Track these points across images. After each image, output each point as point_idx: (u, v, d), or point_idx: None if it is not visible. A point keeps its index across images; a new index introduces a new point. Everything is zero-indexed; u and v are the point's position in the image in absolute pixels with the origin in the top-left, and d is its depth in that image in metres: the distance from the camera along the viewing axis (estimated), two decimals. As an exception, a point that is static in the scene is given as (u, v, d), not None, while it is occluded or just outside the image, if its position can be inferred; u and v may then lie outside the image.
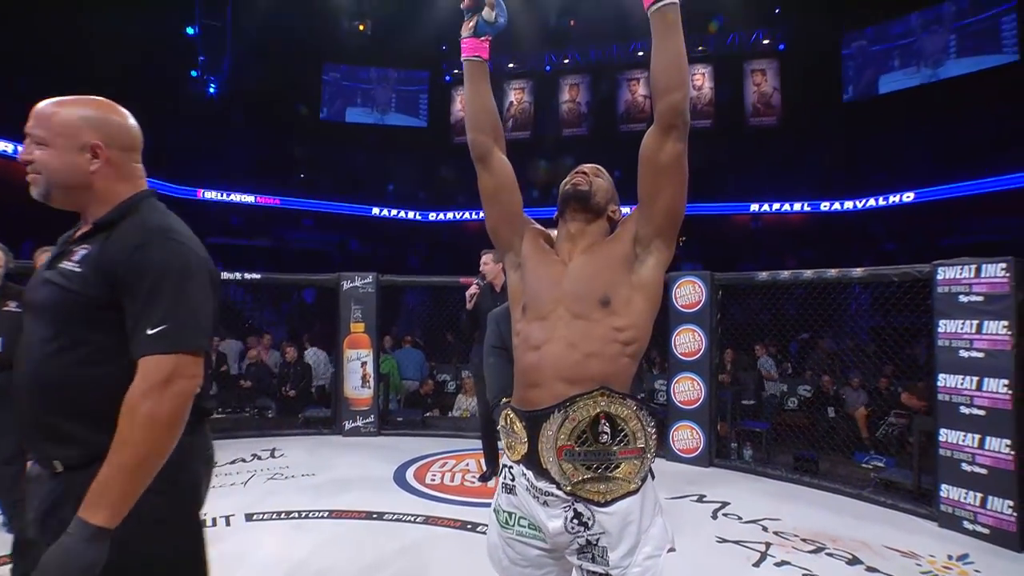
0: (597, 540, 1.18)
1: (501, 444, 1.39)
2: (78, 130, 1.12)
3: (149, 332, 1.03)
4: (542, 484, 1.22)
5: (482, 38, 1.41)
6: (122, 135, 1.18)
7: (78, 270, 1.08)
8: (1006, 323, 3.15)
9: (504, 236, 1.44)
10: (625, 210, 1.37)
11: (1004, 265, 3.18)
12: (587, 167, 1.44)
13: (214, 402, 1.21)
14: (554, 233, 1.47)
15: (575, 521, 1.19)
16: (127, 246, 1.07)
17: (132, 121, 1.21)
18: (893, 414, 4.95)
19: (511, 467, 1.30)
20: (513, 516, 1.29)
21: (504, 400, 1.36)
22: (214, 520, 3.24)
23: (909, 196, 13.51)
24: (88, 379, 1.06)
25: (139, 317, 1.04)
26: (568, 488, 1.19)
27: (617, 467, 1.19)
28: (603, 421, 1.19)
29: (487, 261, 3.85)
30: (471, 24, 1.40)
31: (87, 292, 1.06)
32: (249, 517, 3.33)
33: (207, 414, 1.25)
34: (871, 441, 4.99)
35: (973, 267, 3.31)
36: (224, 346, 7.09)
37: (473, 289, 3.85)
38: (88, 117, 1.14)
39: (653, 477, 1.27)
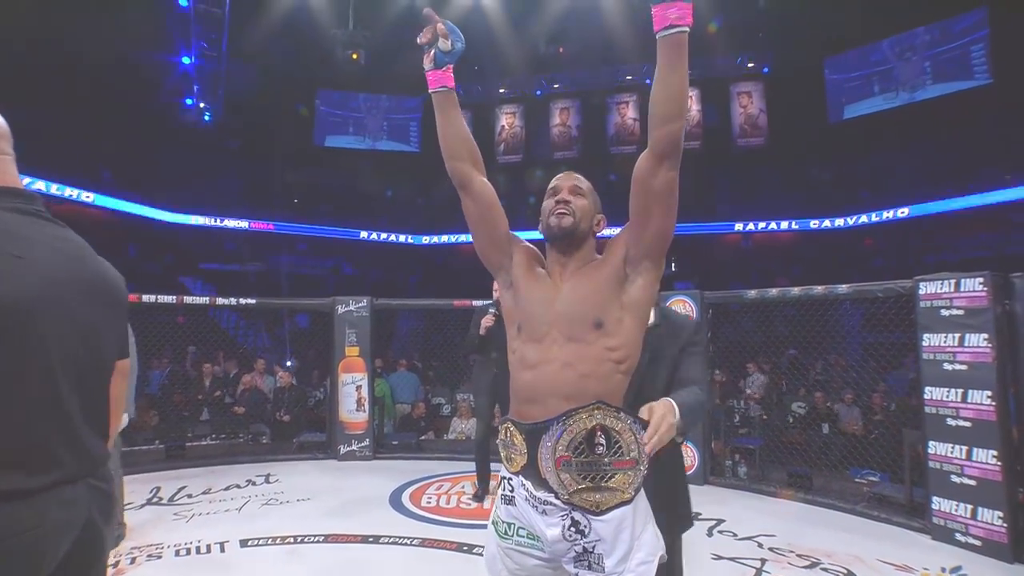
0: (593, 547, 1.22)
1: (496, 459, 1.41)
2: None
3: None
4: (541, 493, 1.26)
5: (444, 68, 1.43)
6: None
7: None
8: (987, 336, 3.23)
9: (494, 258, 1.47)
10: (612, 231, 1.40)
11: (981, 280, 3.28)
12: (566, 190, 1.43)
13: (37, 478, 0.94)
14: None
15: (572, 529, 1.23)
16: None
17: None
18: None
19: (510, 479, 1.33)
20: (512, 527, 1.32)
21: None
22: (208, 547, 3.23)
23: (904, 211, 13.73)
24: None
25: None
26: (565, 497, 1.23)
27: (612, 477, 1.23)
28: (599, 433, 1.23)
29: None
30: (430, 57, 1.43)
31: None
32: (244, 543, 3.30)
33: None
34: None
35: (953, 282, 3.40)
36: (219, 371, 7.08)
37: (488, 320, 3.85)
38: None
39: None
